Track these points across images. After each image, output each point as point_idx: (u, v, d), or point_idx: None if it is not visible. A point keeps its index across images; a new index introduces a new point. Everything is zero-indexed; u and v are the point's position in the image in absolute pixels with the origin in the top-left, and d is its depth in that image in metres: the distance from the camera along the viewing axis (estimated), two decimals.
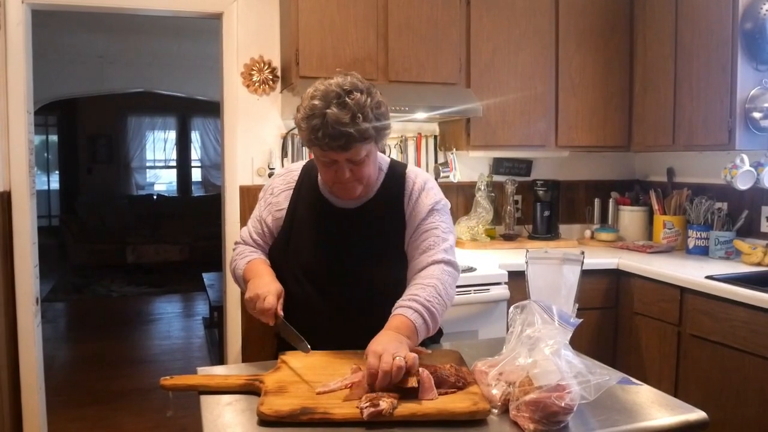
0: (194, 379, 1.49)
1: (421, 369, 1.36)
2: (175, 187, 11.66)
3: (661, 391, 1.50)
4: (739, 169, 2.98)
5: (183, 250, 8.88)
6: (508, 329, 1.44)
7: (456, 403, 1.31)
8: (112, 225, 9.16)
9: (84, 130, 10.65)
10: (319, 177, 1.77)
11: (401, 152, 3.56)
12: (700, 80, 3.05)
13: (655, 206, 3.61)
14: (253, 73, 3.33)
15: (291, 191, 1.80)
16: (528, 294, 1.99)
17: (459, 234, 3.48)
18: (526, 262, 2.03)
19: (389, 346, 1.37)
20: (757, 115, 2.83)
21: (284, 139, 3.38)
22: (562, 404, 1.22)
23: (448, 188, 3.28)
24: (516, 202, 3.73)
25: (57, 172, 10.93)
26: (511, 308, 1.43)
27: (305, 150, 3.39)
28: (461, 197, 3.70)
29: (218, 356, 4.56)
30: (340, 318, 1.71)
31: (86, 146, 10.70)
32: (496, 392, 1.33)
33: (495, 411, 1.31)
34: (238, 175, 3.35)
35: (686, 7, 3.12)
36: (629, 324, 3.10)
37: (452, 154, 3.50)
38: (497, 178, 3.75)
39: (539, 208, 3.71)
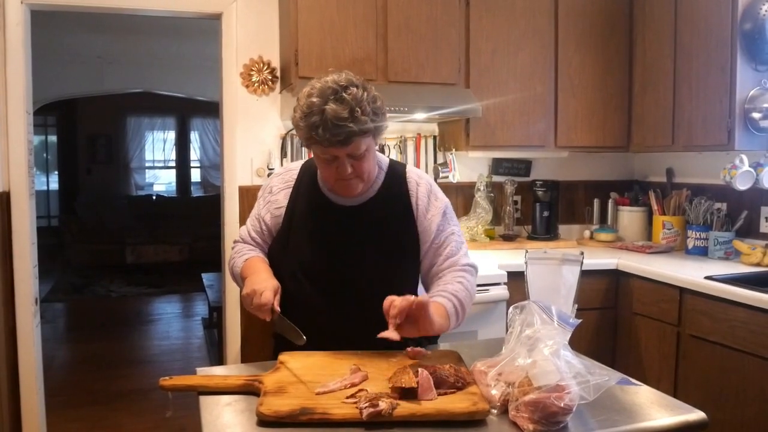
0: (193, 380, 1.48)
1: (420, 369, 1.36)
2: (174, 188, 11.66)
3: (661, 392, 1.50)
4: (738, 170, 2.98)
5: (182, 251, 8.89)
6: (507, 329, 1.44)
7: (455, 403, 1.31)
8: (112, 225, 9.15)
9: (83, 131, 10.65)
10: (319, 175, 1.77)
11: (400, 152, 3.56)
12: (700, 80, 3.05)
13: (655, 206, 3.61)
14: (252, 73, 3.33)
15: (290, 190, 1.81)
16: (527, 294, 2.00)
17: None
18: (526, 263, 2.04)
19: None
20: (756, 115, 2.83)
21: (283, 139, 3.38)
22: (562, 404, 1.22)
23: (447, 188, 3.26)
24: (515, 202, 3.73)
25: (56, 172, 10.93)
26: (511, 308, 1.43)
27: (304, 150, 3.39)
28: (460, 198, 3.70)
29: (217, 357, 4.56)
30: (338, 316, 1.72)
31: (85, 146, 10.70)
32: (495, 392, 1.33)
33: (494, 411, 1.31)
34: (237, 175, 3.35)
35: (685, 7, 3.13)
36: (628, 324, 3.10)
37: (451, 154, 3.50)
38: (496, 178, 3.75)
39: (538, 208, 3.71)
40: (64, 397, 4.05)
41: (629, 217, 3.76)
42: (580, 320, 1.45)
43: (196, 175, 11.77)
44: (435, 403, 1.31)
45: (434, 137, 3.65)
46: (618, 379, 1.39)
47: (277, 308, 1.58)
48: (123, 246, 8.64)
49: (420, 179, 1.81)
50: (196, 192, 11.64)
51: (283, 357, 1.58)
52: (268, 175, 3.33)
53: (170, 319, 6.39)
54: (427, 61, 3.19)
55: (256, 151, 3.37)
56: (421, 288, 1.88)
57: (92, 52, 6.77)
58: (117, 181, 10.88)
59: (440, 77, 3.22)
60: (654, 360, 2.92)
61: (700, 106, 3.05)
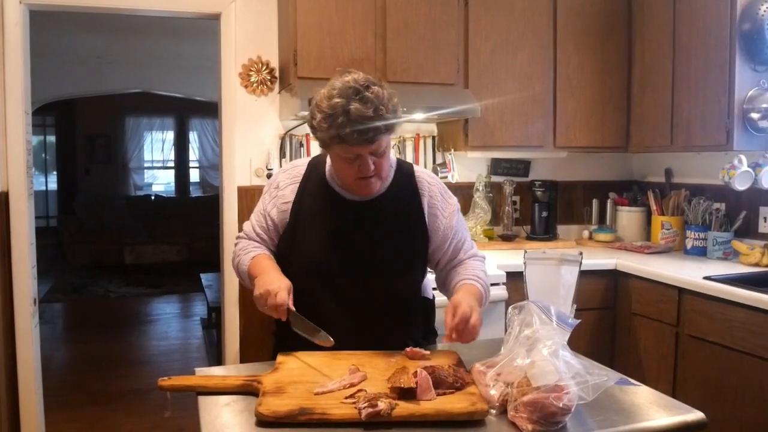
0: (192, 380, 1.48)
1: (419, 369, 1.36)
2: (173, 188, 11.65)
3: (659, 392, 1.50)
4: (737, 170, 2.98)
5: (181, 251, 8.88)
6: (506, 330, 1.44)
7: (454, 403, 1.31)
8: (110, 225, 9.14)
9: (82, 131, 10.63)
10: (330, 173, 1.78)
11: (399, 153, 3.56)
12: (698, 81, 3.05)
13: (653, 207, 3.61)
14: (251, 73, 3.33)
15: (297, 185, 1.81)
16: (526, 294, 2.00)
17: None
18: (524, 263, 2.04)
19: (467, 299, 1.58)
20: (755, 115, 2.83)
21: (282, 139, 3.38)
22: (560, 405, 1.22)
23: None
24: (514, 202, 3.73)
25: (55, 172, 10.91)
26: (510, 309, 1.43)
27: (303, 151, 3.39)
28: (459, 198, 3.59)
29: (216, 357, 4.56)
30: (345, 311, 1.72)
31: (84, 147, 10.68)
32: (494, 393, 1.33)
33: (493, 411, 1.31)
34: (236, 175, 3.35)
35: (684, 7, 3.13)
36: (627, 324, 3.10)
37: (450, 154, 3.51)
38: (495, 178, 3.75)
39: (537, 208, 3.71)
40: (62, 398, 4.05)
41: (628, 218, 3.76)
42: (578, 320, 1.45)
43: (194, 176, 11.76)
44: (434, 404, 1.31)
45: (433, 137, 3.65)
46: (617, 379, 1.39)
47: (292, 308, 1.59)
48: (122, 246, 8.63)
49: (432, 179, 1.86)
50: (194, 192, 11.63)
51: (282, 357, 1.58)
52: (267, 176, 3.33)
53: (169, 320, 6.39)
54: (426, 62, 3.19)
55: (255, 152, 3.37)
56: (424, 287, 1.89)
57: (91, 52, 6.77)
58: (116, 182, 10.87)
59: (439, 77, 3.22)
60: (653, 360, 2.93)
61: (698, 107, 3.05)
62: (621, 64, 3.54)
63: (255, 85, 3.33)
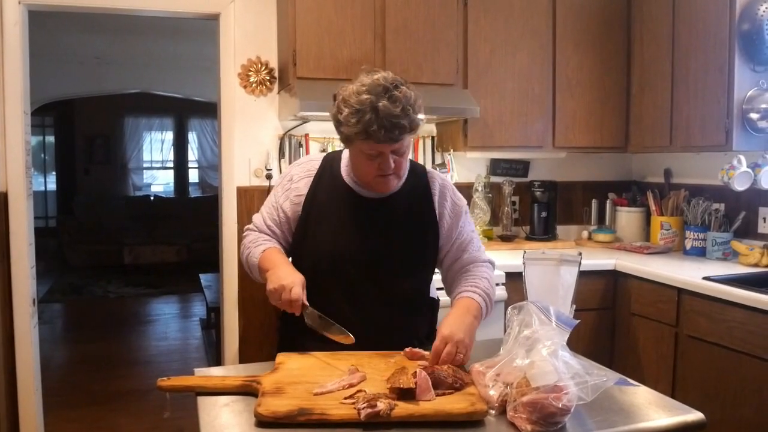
0: (191, 380, 1.48)
1: (418, 370, 1.37)
2: (172, 188, 11.64)
3: (659, 392, 1.50)
4: (736, 170, 2.98)
5: (180, 251, 8.87)
6: (505, 330, 1.44)
7: (453, 404, 1.31)
8: (109, 226, 9.14)
9: (81, 131, 10.62)
10: (346, 169, 1.79)
11: None
12: (698, 81, 3.05)
13: (653, 207, 3.61)
14: (250, 74, 3.33)
15: (311, 179, 1.81)
16: (525, 295, 2.00)
17: None
18: (524, 263, 2.04)
19: (456, 331, 1.54)
20: (754, 116, 2.83)
21: (281, 140, 3.38)
22: (560, 405, 1.22)
23: None
24: (513, 203, 3.73)
25: (54, 172, 10.90)
26: (509, 309, 1.43)
27: (303, 151, 3.39)
28: None
29: (215, 357, 4.55)
30: (355, 307, 1.73)
31: (83, 147, 10.67)
32: (493, 393, 1.33)
33: (492, 412, 1.31)
34: (235, 176, 3.34)
35: (683, 7, 3.13)
36: (626, 325, 3.10)
37: (449, 155, 3.51)
38: (494, 179, 3.75)
39: (536, 209, 3.71)
40: (61, 398, 4.05)
41: (627, 218, 3.76)
42: (578, 321, 1.46)
43: (194, 176, 11.75)
44: (433, 404, 1.31)
45: (432, 138, 3.65)
46: (616, 379, 1.39)
47: (306, 303, 1.60)
48: (121, 246, 8.63)
49: (444, 180, 1.88)
50: (194, 192, 11.61)
51: (281, 358, 1.58)
52: (267, 176, 3.33)
53: (168, 320, 6.38)
54: (425, 62, 3.19)
55: (254, 152, 3.37)
56: (431, 286, 1.90)
57: (90, 52, 6.76)
58: (115, 182, 10.86)
59: (438, 78, 3.22)
60: (652, 360, 2.93)
61: (698, 107, 3.05)
62: (620, 64, 3.54)
63: (254, 85, 3.33)
